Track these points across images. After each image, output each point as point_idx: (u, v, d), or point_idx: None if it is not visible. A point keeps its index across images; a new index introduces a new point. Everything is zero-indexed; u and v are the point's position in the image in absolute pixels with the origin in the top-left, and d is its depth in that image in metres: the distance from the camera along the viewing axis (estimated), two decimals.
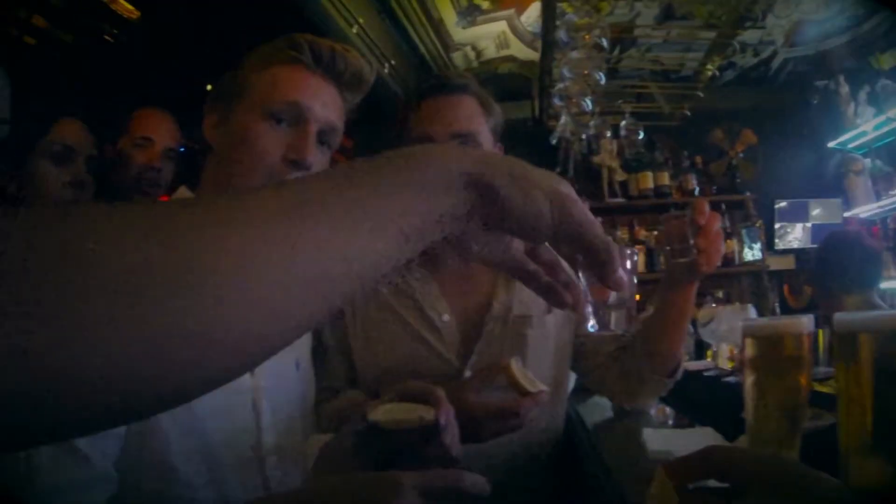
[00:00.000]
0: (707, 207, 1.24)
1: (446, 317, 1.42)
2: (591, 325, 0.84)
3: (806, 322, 0.86)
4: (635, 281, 1.03)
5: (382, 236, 0.42)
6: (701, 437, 1.24)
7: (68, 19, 3.06)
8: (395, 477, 0.72)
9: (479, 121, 1.39)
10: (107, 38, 3.20)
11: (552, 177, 0.50)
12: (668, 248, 1.31)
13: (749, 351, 0.88)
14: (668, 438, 1.24)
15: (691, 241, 1.25)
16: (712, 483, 0.62)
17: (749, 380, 0.87)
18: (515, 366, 1.19)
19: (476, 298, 1.45)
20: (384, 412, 0.99)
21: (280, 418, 1.13)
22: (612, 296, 0.90)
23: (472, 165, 0.46)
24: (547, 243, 0.54)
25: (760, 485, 0.57)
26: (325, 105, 1.09)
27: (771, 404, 0.86)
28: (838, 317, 0.71)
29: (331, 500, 0.73)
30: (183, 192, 1.18)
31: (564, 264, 0.62)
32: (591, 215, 0.50)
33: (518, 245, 0.61)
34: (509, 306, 1.44)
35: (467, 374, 1.39)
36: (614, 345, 1.47)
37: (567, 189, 0.50)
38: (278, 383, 1.15)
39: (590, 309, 0.83)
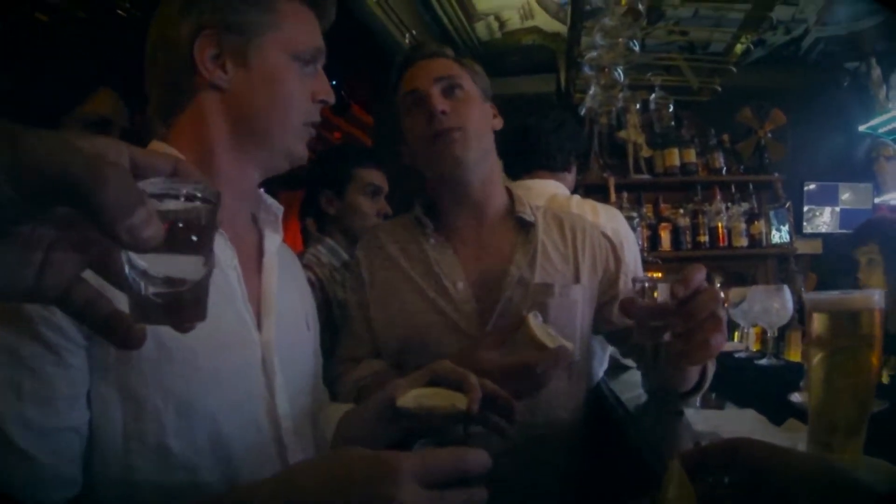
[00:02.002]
0: (700, 277, 0.94)
1: (461, 284, 1.39)
2: None
3: (878, 297, 0.79)
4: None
5: None
6: (745, 420, 1.18)
7: None
8: (393, 462, 0.66)
9: (459, 72, 1.43)
10: (119, 12, 3.16)
11: None
12: (634, 318, 1.00)
13: (817, 327, 0.81)
14: (711, 419, 1.18)
15: (664, 318, 0.96)
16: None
17: (816, 359, 0.81)
18: (534, 321, 1.14)
19: (493, 265, 1.41)
20: (414, 398, 0.97)
21: (293, 379, 1.04)
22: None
23: None
24: None
25: (795, 486, 0.51)
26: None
27: (841, 386, 0.79)
28: None
29: (322, 485, 0.67)
30: (156, 145, 1.00)
31: None
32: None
33: None
34: (528, 273, 1.39)
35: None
36: None
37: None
38: (290, 340, 1.06)
39: None
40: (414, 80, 1.41)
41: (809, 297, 0.83)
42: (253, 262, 1.06)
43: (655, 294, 0.96)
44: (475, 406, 0.93)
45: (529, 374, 1.09)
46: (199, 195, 0.48)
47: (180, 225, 0.47)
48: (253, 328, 0.98)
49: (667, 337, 0.97)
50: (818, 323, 0.81)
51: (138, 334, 0.52)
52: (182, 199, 0.47)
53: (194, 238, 0.48)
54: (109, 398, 0.82)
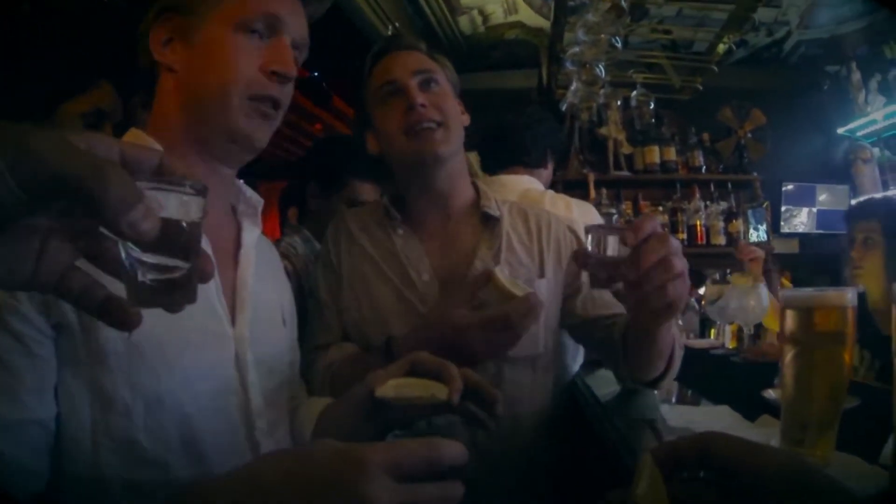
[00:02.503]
0: (651, 225, 0.91)
1: (426, 276, 1.39)
2: None
3: (850, 295, 0.80)
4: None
5: None
6: (719, 416, 1.18)
7: None
8: (360, 454, 0.61)
9: (435, 67, 1.43)
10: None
11: None
12: (589, 268, 0.97)
13: (790, 324, 0.81)
14: (686, 415, 1.18)
15: (617, 268, 0.93)
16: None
17: (789, 355, 0.81)
18: (500, 274, 1.14)
19: (459, 258, 1.41)
20: (393, 388, 0.95)
21: (268, 375, 1.02)
22: None
23: None
24: None
25: (766, 481, 0.50)
26: (296, 15, 1.04)
27: (813, 382, 0.79)
28: None
29: (286, 481, 0.61)
30: (135, 134, 1.00)
31: None
32: None
33: None
34: (493, 267, 1.38)
35: None
36: (610, 325, 1.38)
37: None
38: (265, 336, 1.04)
39: None
40: (390, 71, 1.40)
41: (784, 294, 0.83)
42: (229, 254, 1.04)
43: (606, 244, 0.93)
44: (456, 396, 0.92)
45: (507, 326, 1.09)
46: (187, 188, 0.53)
47: (173, 217, 0.52)
48: (226, 323, 0.96)
49: (619, 286, 0.97)
50: (792, 320, 0.81)
51: (135, 317, 0.54)
52: (172, 192, 0.52)
53: (185, 227, 0.53)
54: (78, 393, 0.80)
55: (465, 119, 1.48)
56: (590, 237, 0.95)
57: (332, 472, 0.61)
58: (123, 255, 0.52)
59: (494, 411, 0.98)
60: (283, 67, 0.99)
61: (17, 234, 0.48)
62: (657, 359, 1.22)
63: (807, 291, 0.81)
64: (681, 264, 0.90)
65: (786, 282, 2.94)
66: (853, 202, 2.93)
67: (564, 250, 1.48)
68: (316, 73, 4.51)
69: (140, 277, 0.52)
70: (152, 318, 0.77)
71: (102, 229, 0.51)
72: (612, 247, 0.92)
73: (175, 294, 0.54)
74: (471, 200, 1.49)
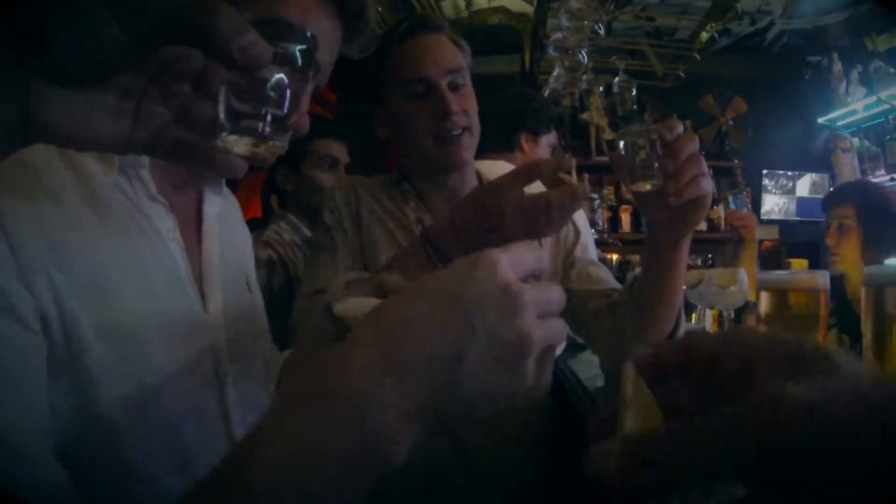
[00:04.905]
0: (681, 126, 1.04)
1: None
2: None
3: (822, 278, 0.82)
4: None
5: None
6: None
7: None
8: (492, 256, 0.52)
9: (461, 61, 1.36)
10: None
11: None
12: (626, 169, 1.08)
13: (765, 305, 0.83)
14: None
15: (655, 164, 1.04)
16: None
17: None
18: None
19: None
20: (354, 305, 0.82)
21: (241, 355, 0.94)
22: None
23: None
24: None
25: (751, 361, 0.43)
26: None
27: None
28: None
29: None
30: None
31: None
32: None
33: None
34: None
35: None
36: (603, 300, 1.40)
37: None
38: (236, 313, 0.96)
39: None
40: (419, 65, 1.32)
41: (760, 276, 0.85)
42: (192, 228, 0.95)
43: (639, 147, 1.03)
44: None
45: (548, 210, 1.07)
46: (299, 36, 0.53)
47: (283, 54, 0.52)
48: (199, 308, 0.89)
49: (655, 184, 1.04)
50: (767, 301, 0.83)
51: (222, 154, 0.54)
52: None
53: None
54: (57, 406, 0.69)
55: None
56: (622, 143, 1.05)
57: (466, 277, 0.51)
58: (223, 105, 0.52)
59: None
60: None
61: (116, 91, 0.49)
62: (671, 302, 1.22)
63: (781, 274, 0.83)
64: (704, 163, 1.03)
65: (797, 262, 2.94)
66: (830, 189, 2.91)
67: (561, 232, 1.50)
68: None
69: (235, 124, 0.52)
70: (130, 315, 0.74)
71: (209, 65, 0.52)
72: (643, 148, 1.03)
73: (266, 143, 0.54)
74: (475, 186, 1.48)
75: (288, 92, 0.53)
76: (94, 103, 0.49)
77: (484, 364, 0.48)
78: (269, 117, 0.53)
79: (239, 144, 0.53)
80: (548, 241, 1.47)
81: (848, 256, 2.60)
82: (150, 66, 0.50)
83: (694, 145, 1.03)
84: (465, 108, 1.33)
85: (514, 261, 0.53)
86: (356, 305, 0.81)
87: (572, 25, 2.71)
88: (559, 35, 2.84)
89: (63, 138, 0.49)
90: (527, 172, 1.06)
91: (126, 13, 0.43)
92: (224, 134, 0.53)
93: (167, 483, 0.77)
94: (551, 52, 3.03)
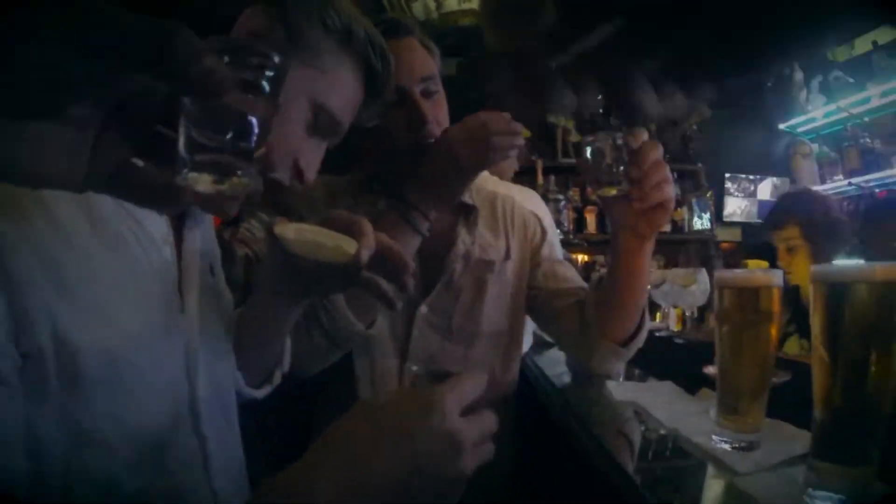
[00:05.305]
0: (646, 134, 1.12)
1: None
2: None
3: (777, 276, 0.87)
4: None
5: None
6: (663, 390, 1.26)
7: None
8: (435, 395, 0.68)
9: (433, 67, 1.35)
10: None
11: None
12: (592, 174, 1.13)
13: (722, 302, 0.88)
14: (632, 390, 1.25)
15: (621, 170, 1.09)
16: None
17: (722, 331, 0.87)
18: None
19: (439, 241, 1.43)
20: (298, 229, 0.84)
21: (210, 356, 0.90)
22: None
23: None
24: None
25: None
26: None
27: (744, 355, 0.86)
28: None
29: (377, 435, 0.65)
30: None
31: None
32: None
33: None
34: (471, 250, 1.45)
35: (423, 309, 1.39)
36: (572, 299, 1.46)
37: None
38: (207, 313, 0.92)
39: None
40: (398, 68, 1.22)
41: (717, 275, 0.90)
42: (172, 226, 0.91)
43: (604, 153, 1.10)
44: (365, 253, 0.84)
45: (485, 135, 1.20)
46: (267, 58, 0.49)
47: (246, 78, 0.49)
48: (178, 314, 0.85)
49: (621, 189, 1.11)
50: (725, 299, 0.87)
51: (185, 193, 0.51)
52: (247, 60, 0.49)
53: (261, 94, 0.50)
54: (46, 427, 0.66)
55: None
56: (589, 149, 1.10)
57: (417, 418, 0.65)
58: (182, 138, 0.47)
59: (405, 287, 0.94)
60: None
61: (74, 125, 0.45)
62: (636, 301, 1.30)
63: (738, 272, 0.88)
64: (668, 170, 1.10)
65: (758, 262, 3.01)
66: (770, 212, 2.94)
67: (529, 231, 1.55)
68: None
69: (195, 158, 0.48)
70: (125, 336, 0.72)
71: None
72: (609, 155, 1.08)
73: (231, 179, 0.49)
74: None
75: (254, 122, 0.49)
76: (48, 138, 0.45)
77: (425, 491, 0.64)
78: (233, 151, 0.48)
79: (201, 181, 0.48)
80: (516, 239, 1.51)
81: (800, 271, 2.69)
82: (111, 98, 0.46)
83: (658, 152, 1.10)
84: (437, 117, 1.31)
85: (459, 398, 0.69)
86: (292, 229, 0.84)
87: None
88: None
89: (13, 176, 0.46)
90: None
91: (80, 36, 0.40)
92: (185, 170, 0.48)
93: (150, 494, 0.76)
94: None
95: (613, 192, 1.12)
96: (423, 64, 1.32)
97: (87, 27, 0.40)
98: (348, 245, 0.83)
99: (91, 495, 0.70)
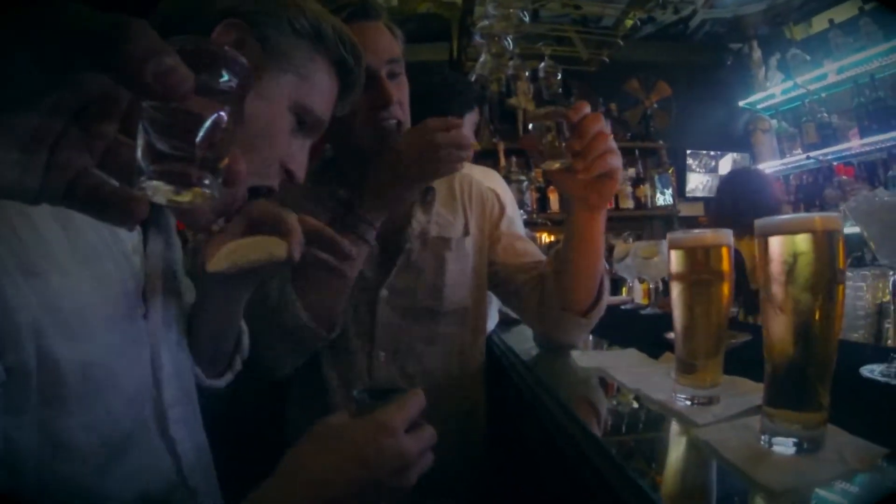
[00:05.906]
0: (587, 108, 1.11)
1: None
2: None
3: (727, 236, 0.88)
4: None
5: None
6: (627, 356, 1.28)
7: None
8: (386, 419, 0.82)
9: (398, 51, 1.37)
10: None
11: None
12: (536, 150, 1.14)
13: (675, 263, 0.89)
14: (597, 357, 1.27)
15: (563, 144, 1.10)
16: None
17: (676, 291, 0.89)
18: None
19: (396, 220, 1.43)
20: (226, 257, 0.86)
21: (175, 356, 0.90)
22: None
23: None
24: None
25: None
26: None
27: (699, 313, 0.88)
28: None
29: (340, 465, 0.79)
30: None
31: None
32: None
33: None
34: (427, 228, 1.46)
35: (383, 292, 1.40)
36: (532, 272, 1.48)
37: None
38: (168, 312, 0.91)
39: None
40: (366, 50, 1.22)
41: (669, 236, 0.91)
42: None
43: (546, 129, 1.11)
44: (297, 249, 0.89)
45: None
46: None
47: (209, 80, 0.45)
48: (141, 319, 0.84)
49: (564, 162, 1.12)
50: (677, 259, 0.89)
51: (142, 205, 0.46)
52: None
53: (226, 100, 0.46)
54: (21, 439, 0.64)
55: None
56: (532, 126, 1.11)
57: (372, 441, 0.80)
58: (140, 145, 0.43)
59: (346, 255, 1.01)
60: None
61: (25, 137, 0.41)
62: (592, 272, 1.33)
63: (689, 233, 0.89)
64: (612, 140, 1.12)
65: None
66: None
67: (487, 207, 1.58)
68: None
69: (153, 167, 0.44)
70: (102, 347, 0.72)
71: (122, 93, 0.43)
72: (552, 129, 1.10)
73: (192, 190, 0.45)
74: None
75: (219, 129, 0.45)
76: None
77: (380, 499, 0.80)
78: (195, 159, 0.44)
79: (159, 191, 0.44)
80: (474, 215, 1.53)
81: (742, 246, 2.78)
82: (68, 104, 0.42)
83: (599, 124, 1.10)
84: (400, 100, 1.34)
85: (405, 418, 0.83)
86: (224, 257, 0.86)
87: (499, 13, 2.76)
88: (486, 22, 2.90)
89: None
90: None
91: (30, 34, 0.37)
92: (143, 178, 0.44)
93: (122, 499, 0.75)
94: (478, 38, 3.08)
95: (556, 165, 1.13)
96: (389, 46, 1.34)
97: (31, 22, 0.37)
98: (278, 248, 0.87)
99: (64, 502, 0.69)
